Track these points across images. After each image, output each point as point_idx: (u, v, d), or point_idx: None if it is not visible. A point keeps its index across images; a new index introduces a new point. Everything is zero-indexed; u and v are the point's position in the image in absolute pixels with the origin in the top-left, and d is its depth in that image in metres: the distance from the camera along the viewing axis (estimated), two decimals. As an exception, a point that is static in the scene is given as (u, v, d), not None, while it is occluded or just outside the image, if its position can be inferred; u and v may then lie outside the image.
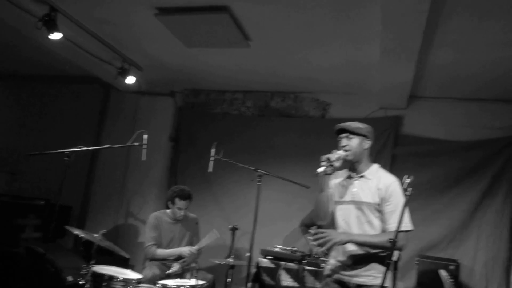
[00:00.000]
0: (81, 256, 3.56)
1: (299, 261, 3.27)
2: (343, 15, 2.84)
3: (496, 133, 3.88)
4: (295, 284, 3.18)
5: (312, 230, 2.46)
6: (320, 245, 1.95)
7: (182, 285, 2.72)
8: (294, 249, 3.48)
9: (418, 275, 3.54)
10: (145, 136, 3.01)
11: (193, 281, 2.73)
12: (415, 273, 3.57)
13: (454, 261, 3.55)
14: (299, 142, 4.40)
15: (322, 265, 3.18)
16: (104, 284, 2.62)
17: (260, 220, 2.98)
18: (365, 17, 2.82)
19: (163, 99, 4.80)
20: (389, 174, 2.13)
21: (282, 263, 3.28)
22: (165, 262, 3.29)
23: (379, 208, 2.04)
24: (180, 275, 3.18)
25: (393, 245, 1.87)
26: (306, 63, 3.75)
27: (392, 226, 1.98)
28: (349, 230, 2.06)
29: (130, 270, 2.95)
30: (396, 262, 2.93)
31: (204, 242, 3.15)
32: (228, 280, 2.93)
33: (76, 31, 3.46)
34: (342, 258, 2.07)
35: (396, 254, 2.04)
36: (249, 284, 3.23)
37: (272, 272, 3.25)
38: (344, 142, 2.11)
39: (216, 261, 3.02)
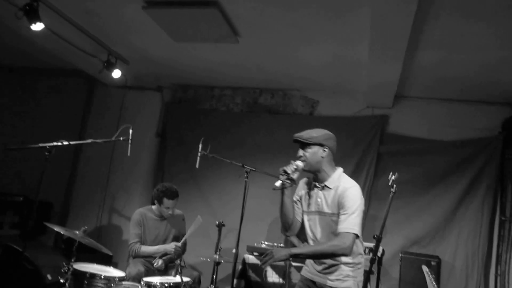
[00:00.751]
0: (62, 254, 3.47)
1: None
2: (332, 14, 2.85)
3: (478, 133, 3.98)
4: (281, 281, 3.19)
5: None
6: (263, 263, 1.94)
7: (166, 282, 2.68)
8: (280, 245, 3.48)
9: (401, 271, 3.61)
10: (131, 131, 2.94)
11: (177, 278, 2.70)
12: (398, 268, 3.64)
13: (436, 257, 3.64)
14: (287, 139, 4.37)
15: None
16: (85, 282, 2.55)
17: (246, 217, 2.97)
18: (354, 17, 2.83)
19: (150, 94, 4.72)
20: (348, 180, 2.08)
21: (269, 260, 3.27)
22: (149, 259, 3.24)
23: (337, 217, 2.01)
24: (164, 272, 3.14)
25: (378, 241, 1.88)
26: (295, 61, 3.75)
27: (341, 227, 1.95)
28: (316, 240, 2.08)
29: (113, 267, 2.89)
30: (380, 258, 2.96)
31: (189, 231, 3.11)
32: (214, 276, 2.91)
33: (59, 21, 3.35)
34: (316, 265, 2.09)
35: (380, 249, 2.05)
36: (235, 281, 3.22)
37: (258, 269, 3.24)
38: (299, 153, 2.10)
39: (202, 258, 2.99)
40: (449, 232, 3.91)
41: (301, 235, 3.68)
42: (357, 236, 1.94)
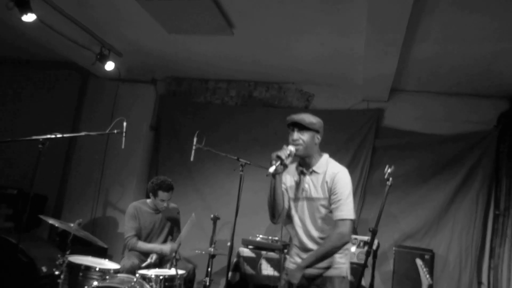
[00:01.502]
0: (57, 247, 3.47)
1: (280, 250, 3.29)
2: (328, 7, 2.82)
3: (473, 127, 3.99)
4: (276, 273, 3.20)
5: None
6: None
7: (161, 275, 2.68)
8: (275, 238, 3.50)
9: (395, 264, 3.64)
10: (125, 124, 2.92)
11: (172, 271, 2.70)
12: (392, 262, 3.67)
13: (430, 250, 3.67)
14: (282, 133, 4.38)
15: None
16: (80, 274, 2.55)
17: (241, 210, 2.98)
18: (350, 9, 2.81)
19: (144, 86, 4.68)
20: (336, 165, 2.08)
21: (263, 252, 3.29)
22: (144, 253, 3.24)
23: (329, 201, 2.00)
24: (160, 264, 3.14)
25: (373, 234, 1.89)
26: (291, 53, 3.72)
27: (337, 215, 1.96)
28: (304, 227, 2.05)
29: (108, 260, 2.89)
30: (375, 251, 2.98)
31: (185, 231, 3.11)
32: (209, 269, 2.92)
33: (51, 13, 3.30)
34: (304, 256, 2.04)
35: (376, 242, 2.05)
36: (230, 274, 3.23)
37: (253, 262, 3.26)
38: (295, 136, 2.02)
39: (197, 251, 3.00)
40: (443, 226, 3.94)
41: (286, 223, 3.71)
42: (353, 221, 1.96)
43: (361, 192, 4.12)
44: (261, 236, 3.61)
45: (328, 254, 1.94)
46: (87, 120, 4.66)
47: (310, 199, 2.04)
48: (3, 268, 3.05)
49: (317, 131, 2.06)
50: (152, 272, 2.71)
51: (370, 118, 4.22)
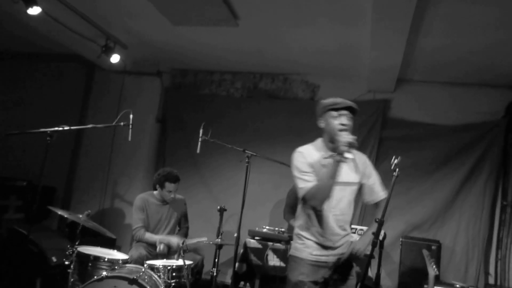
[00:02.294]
0: (66, 237, 3.53)
1: (286, 241, 3.31)
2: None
3: (481, 118, 3.95)
4: (282, 264, 3.22)
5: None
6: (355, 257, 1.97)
7: (169, 265, 2.72)
8: (281, 230, 3.51)
9: (402, 255, 3.65)
10: (131, 116, 2.94)
11: (180, 261, 2.73)
12: (399, 252, 3.68)
13: (437, 241, 3.67)
14: (287, 124, 4.40)
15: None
16: (89, 264, 2.59)
17: (247, 201, 2.99)
18: (356, -1, 2.78)
19: (150, 79, 4.69)
20: (357, 151, 2.11)
21: (270, 243, 3.31)
22: (152, 244, 3.28)
23: (360, 186, 2.09)
24: (168, 254, 3.18)
25: (380, 225, 1.88)
26: (296, 44, 3.70)
27: (381, 194, 2.09)
28: (334, 211, 2.02)
29: (116, 250, 2.93)
30: (382, 242, 2.99)
31: (193, 241, 3.13)
32: (216, 260, 2.94)
33: (56, 5, 3.31)
34: (330, 239, 2.01)
35: (382, 233, 2.04)
36: (237, 264, 3.26)
37: (260, 252, 3.28)
38: (345, 120, 2.00)
39: (205, 241, 3.02)
40: (450, 217, 3.93)
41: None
42: None
43: (367, 183, 4.11)
44: (267, 227, 3.63)
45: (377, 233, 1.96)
46: (93, 113, 4.69)
47: (345, 184, 2.02)
48: (15, 258, 3.12)
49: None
50: (160, 263, 2.74)
51: (376, 109, 4.20)
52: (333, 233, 2.02)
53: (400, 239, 3.72)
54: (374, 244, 1.90)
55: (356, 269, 3.14)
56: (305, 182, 1.95)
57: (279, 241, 3.35)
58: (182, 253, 2.70)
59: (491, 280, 3.80)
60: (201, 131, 3.16)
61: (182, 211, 3.50)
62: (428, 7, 2.72)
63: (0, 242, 3.52)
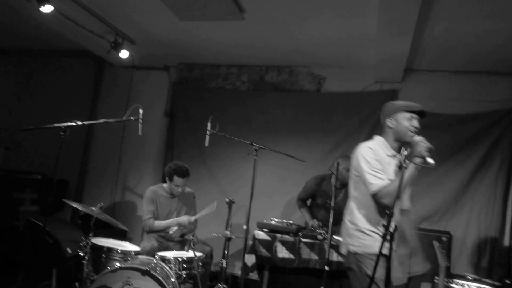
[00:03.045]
0: (80, 229, 3.62)
1: (295, 233, 3.34)
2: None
3: (491, 106, 3.89)
4: (291, 256, 3.25)
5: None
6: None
7: (180, 257, 2.78)
8: (290, 222, 3.55)
9: (412, 246, 3.64)
10: (141, 111, 2.98)
11: (191, 253, 2.79)
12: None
13: (447, 232, 3.65)
14: (294, 116, 4.40)
15: (319, 237, 3.24)
16: (103, 256, 2.67)
17: (255, 194, 3.02)
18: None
19: (157, 73, 4.74)
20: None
21: (278, 235, 3.34)
22: (163, 235, 3.35)
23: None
24: (178, 247, 3.24)
25: (390, 217, 1.88)
26: (302, 36, 3.69)
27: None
28: (402, 210, 2.07)
29: (128, 242, 3.00)
30: (392, 234, 2.98)
31: (203, 212, 3.19)
32: (225, 252, 2.99)
33: (67, 3, 3.37)
34: (406, 250, 2.08)
35: (392, 225, 2.03)
36: (246, 256, 3.30)
37: (268, 244, 3.31)
38: (417, 124, 2.07)
39: (214, 234, 3.08)
40: (461, 208, 3.89)
41: (316, 208, 3.72)
42: None
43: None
44: (275, 219, 3.67)
45: None
46: (103, 108, 4.77)
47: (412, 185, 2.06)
48: (32, 249, 3.22)
49: None
50: (171, 254, 2.81)
51: (383, 100, 4.13)
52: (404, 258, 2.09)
53: (410, 230, 3.71)
54: (384, 236, 1.88)
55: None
56: (377, 179, 1.98)
57: (287, 233, 3.38)
58: (192, 245, 2.76)
59: (504, 272, 3.77)
60: (209, 124, 3.18)
61: (191, 204, 3.56)
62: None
63: (18, 233, 3.63)
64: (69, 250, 3.20)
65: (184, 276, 2.74)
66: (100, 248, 2.69)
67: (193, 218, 3.29)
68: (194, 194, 3.62)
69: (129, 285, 2.43)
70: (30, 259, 3.25)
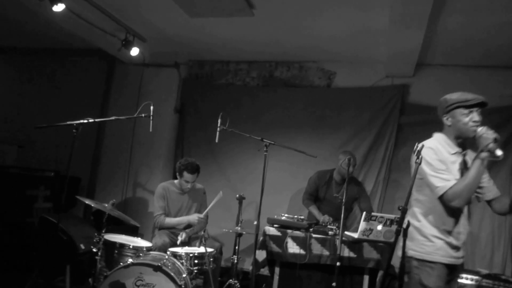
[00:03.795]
0: (92, 225, 3.66)
1: (305, 229, 3.33)
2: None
3: (505, 101, 3.81)
4: (302, 252, 3.24)
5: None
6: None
7: (191, 253, 2.79)
8: (301, 217, 3.54)
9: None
10: (152, 108, 3.00)
11: (201, 249, 2.81)
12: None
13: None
14: (304, 112, 4.38)
15: (330, 232, 3.23)
16: (115, 252, 2.70)
17: (265, 190, 3.02)
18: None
19: (168, 70, 4.75)
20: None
21: (289, 231, 3.34)
22: (174, 231, 3.37)
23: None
24: (188, 243, 3.27)
25: (403, 212, 1.84)
26: (311, 31, 3.66)
27: (497, 191, 2.02)
28: (464, 216, 1.95)
29: (140, 238, 3.03)
30: (405, 230, 2.96)
31: (211, 204, 3.22)
32: (236, 247, 3.00)
33: (78, 2, 3.40)
34: (451, 238, 1.92)
35: (406, 221, 1.97)
36: (257, 252, 3.31)
37: (279, 240, 3.31)
38: (477, 117, 1.91)
39: (224, 230, 3.08)
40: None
41: (319, 203, 3.71)
42: None
43: (386, 170, 4.07)
44: (286, 215, 3.67)
45: None
46: (114, 105, 4.81)
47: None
48: (46, 245, 3.27)
49: None
50: (182, 250, 2.83)
51: (394, 95, 4.12)
52: (460, 231, 1.94)
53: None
54: (398, 233, 1.85)
55: (377, 256, 3.12)
56: (443, 181, 1.85)
57: (298, 228, 3.38)
58: (204, 241, 2.77)
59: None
60: (219, 120, 3.19)
61: (201, 201, 3.57)
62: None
63: (32, 230, 3.69)
64: (82, 246, 3.24)
65: (196, 271, 2.76)
66: (113, 244, 2.72)
67: (202, 215, 3.30)
68: (204, 190, 3.63)
69: (142, 280, 2.45)
70: (45, 255, 3.31)
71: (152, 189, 3.96)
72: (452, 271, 1.95)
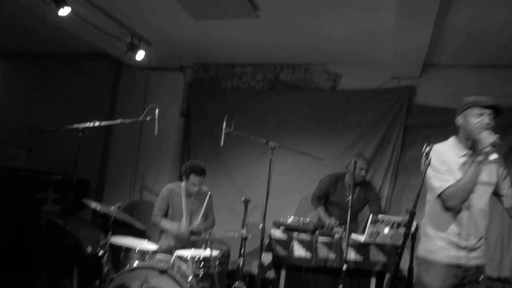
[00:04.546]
0: (100, 228, 3.69)
1: (311, 232, 3.32)
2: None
3: (512, 101, 3.76)
4: (308, 255, 3.23)
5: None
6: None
7: (197, 256, 2.79)
8: (307, 220, 3.53)
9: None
10: (157, 111, 3.01)
11: (207, 252, 2.81)
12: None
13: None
14: (309, 115, 4.37)
15: (336, 235, 3.21)
16: (122, 254, 2.72)
17: (271, 193, 3.01)
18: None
19: (173, 74, 4.78)
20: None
21: (295, 234, 3.33)
22: (178, 235, 3.38)
23: (497, 187, 1.99)
24: (194, 245, 3.27)
25: (412, 215, 1.82)
26: (316, 33, 3.65)
27: None
28: (471, 209, 1.91)
29: (146, 241, 3.04)
30: (414, 233, 2.93)
31: (204, 208, 3.23)
32: (242, 250, 3.00)
33: (84, 5, 3.43)
34: (457, 238, 1.91)
35: (414, 224, 1.94)
36: (263, 255, 3.30)
37: (285, 243, 3.30)
38: (487, 119, 1.89)
39: (230, 233, 3.08)
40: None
41: (330, 206, 3.69)
42: None
43: (393, 173, 4.04)
44: (292, 218, 3.65)
45: None
46: (121, 108, 4.85)
47: (485, 184, 1.96)
48: (53, 248, 3.30)
49: None
50: (188, 253, 2.83)
51: (401, 97, 4.09)
52: (470, 233, 1.93)
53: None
54: (406, 235, 1.83)
55: (384, 259, 3.08)
56: (442, 181, 1.89)
57: (304, 231, 3.36)
58: (209, 244, 2.77)
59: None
60: (224, 123, 3.19)
61: (208, 203, 3.57)
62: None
63: (40, 232, 3.73)
64: (89, 249, 3.27)
65: (201, 274, 2.76)
66: (119, 247, 2.73)
67: (195, 228, 3.31)
68: (210, 193, 3.63)
69: (147, 283, 2.46)
70: (52, 258, 3.34)
71: (159, 192, 3.95)
72: (464, 272, 1.92)
